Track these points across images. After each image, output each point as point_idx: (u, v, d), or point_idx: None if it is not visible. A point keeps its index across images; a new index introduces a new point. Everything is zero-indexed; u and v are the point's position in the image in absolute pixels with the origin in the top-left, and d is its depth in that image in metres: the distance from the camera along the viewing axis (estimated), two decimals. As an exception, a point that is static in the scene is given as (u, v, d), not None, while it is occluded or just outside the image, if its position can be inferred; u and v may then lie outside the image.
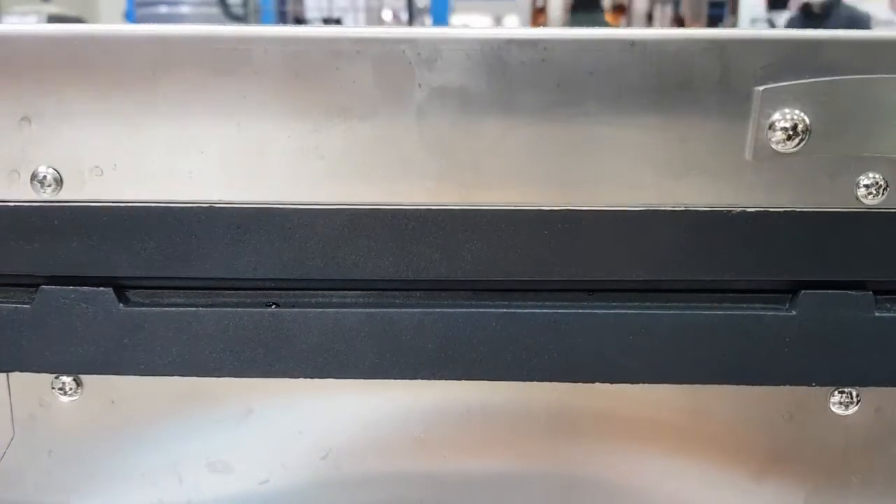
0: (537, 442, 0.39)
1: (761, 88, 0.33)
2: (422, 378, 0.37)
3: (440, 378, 0.37)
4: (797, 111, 0.33)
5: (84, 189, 0.35)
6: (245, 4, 3.73)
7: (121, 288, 0.37)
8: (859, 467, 0.38)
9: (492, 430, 0.38)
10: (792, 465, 0.38)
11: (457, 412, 0.38)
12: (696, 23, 3.59)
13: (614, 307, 0.37)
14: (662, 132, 0.34)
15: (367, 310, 0.37)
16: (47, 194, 0.35)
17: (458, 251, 0.35)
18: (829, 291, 0.37)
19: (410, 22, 3.25)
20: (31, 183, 0.35)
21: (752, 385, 0.37)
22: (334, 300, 0.37)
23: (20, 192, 0.35)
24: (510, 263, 0.35)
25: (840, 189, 0.34)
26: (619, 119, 0.34)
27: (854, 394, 0.37)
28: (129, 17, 4.04)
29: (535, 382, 0.37)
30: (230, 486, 0.39)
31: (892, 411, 0.38)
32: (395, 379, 0.37)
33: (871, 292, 0.36)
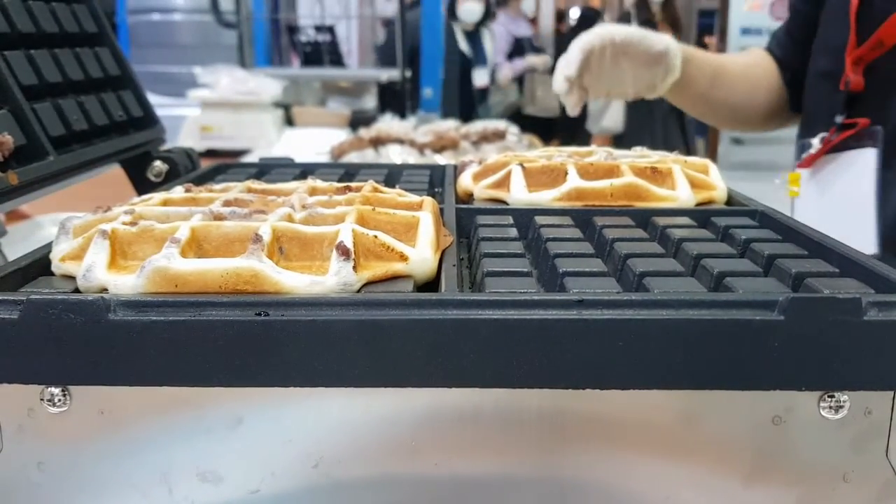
0: (528, 448, 0.39)
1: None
2: (412, 385, 0.37)
3: (430, 385, 0.37)
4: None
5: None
6: (237, 12, 3.72)
7: (109, 298, 0.37)
8: (849, 471, 0.39)
9: (483, 437, 0.38)
10: (782, 469, 0.39)
11: (448, 419, 0.38)
12: (668, 29, 3.43)
13: (604, 313, 0.37)
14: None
15: (357, 317, 0.36)
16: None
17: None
18: (817, 296, 0.37)
19: (404, 26, 3.22)
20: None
21: (742, 390, 0.37)
22: (323, 308, 0.37)
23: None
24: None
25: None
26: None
27: (843, 398, 0.38)
28: (122, 25, 4.04)
29: (526, 389, 0.37)
30: (221, 496, 0.39)
31: (880, 414, 0.38)
32: (385, 386, 0.37)
33: (859, 297, 0.36)
